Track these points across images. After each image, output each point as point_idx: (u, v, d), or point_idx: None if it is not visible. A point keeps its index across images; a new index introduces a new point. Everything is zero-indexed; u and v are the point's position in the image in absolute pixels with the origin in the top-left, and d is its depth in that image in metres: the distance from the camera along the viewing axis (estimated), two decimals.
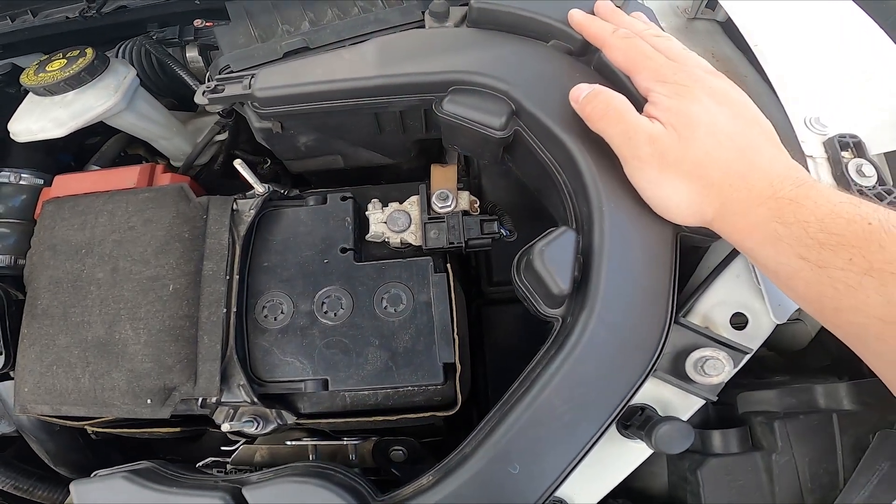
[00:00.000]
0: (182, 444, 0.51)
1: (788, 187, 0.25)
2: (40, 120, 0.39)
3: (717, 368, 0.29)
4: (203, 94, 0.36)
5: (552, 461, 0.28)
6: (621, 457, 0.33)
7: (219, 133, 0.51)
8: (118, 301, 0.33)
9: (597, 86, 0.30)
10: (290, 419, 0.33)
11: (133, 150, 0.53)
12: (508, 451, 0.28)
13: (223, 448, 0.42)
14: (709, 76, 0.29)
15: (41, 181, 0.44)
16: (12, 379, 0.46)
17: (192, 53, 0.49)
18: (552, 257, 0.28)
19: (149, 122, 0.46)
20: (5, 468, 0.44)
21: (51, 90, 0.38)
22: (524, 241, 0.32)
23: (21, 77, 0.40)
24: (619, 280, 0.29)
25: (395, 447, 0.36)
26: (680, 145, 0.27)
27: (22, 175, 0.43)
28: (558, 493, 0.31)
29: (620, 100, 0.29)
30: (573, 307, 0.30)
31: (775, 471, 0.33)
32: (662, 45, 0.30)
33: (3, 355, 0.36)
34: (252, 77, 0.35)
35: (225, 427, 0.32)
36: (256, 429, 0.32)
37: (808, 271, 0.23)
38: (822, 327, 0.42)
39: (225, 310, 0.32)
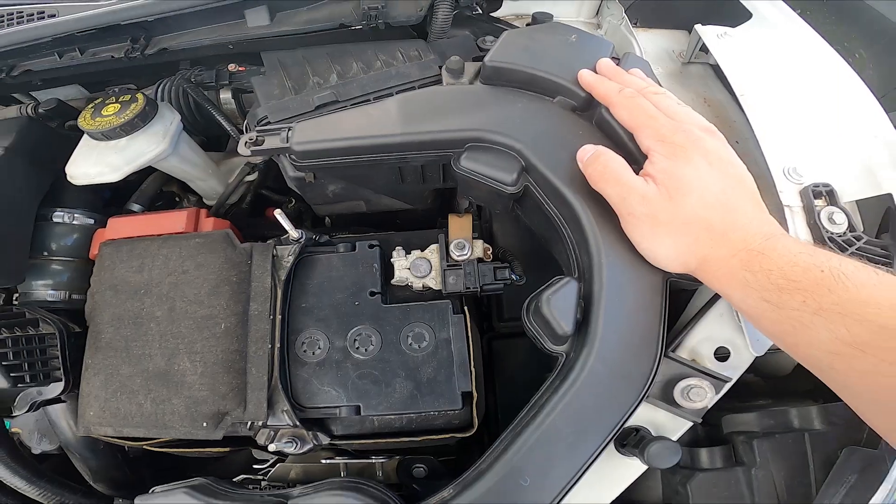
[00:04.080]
0: (211, 463, 0.57)
1: (759, 241, 0.30)
2: (97, 165, 0.44)
3: (701, 395, 0.35)
4: (245, 145, 0.41)
5: (558, 475, 0.34)
6: (619, 472, 0.38)
7: (248, 174, 0.57)
8: (176, 336, 0.39)
9: (599, 148, 0.35)
10: (325, 440, 0.38)
11: (167, 188, 0.58)
12: (520, 467, 0.33)
13: (254, 466, 0.48)
14: (704, 135, 0.33)
15: (92, 220, 0.50)
16: (63, 402, 0.51)
17: (225, 95, 0.55)
18: (557, 304, 0.34)
19: (189, 164, 0.52)
20: (51, 485, 0.48)
21: (107, 136, 0.44)
22: (532, 282, 0.38)
23: (78, 121, 0.45)
24: (615, 322, 0.34)
25: (417, 465, 0.42)
26: (671, 205, 0.31)
27: (75, 215, 0.48)
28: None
29: (618, 162, 0.34)
30: (575, 345, 0.35)
31: (755, 484, 0.38)
32: (662, 104, 0.35)
33: (63, 381, 0.42)
34: (289, 130, 0.41)
35: (272, 448, 0.37)
36: (295, 448, 0.38)
37: (770, 311, 0.29)
38: None
39: (270, 345, 0.37)
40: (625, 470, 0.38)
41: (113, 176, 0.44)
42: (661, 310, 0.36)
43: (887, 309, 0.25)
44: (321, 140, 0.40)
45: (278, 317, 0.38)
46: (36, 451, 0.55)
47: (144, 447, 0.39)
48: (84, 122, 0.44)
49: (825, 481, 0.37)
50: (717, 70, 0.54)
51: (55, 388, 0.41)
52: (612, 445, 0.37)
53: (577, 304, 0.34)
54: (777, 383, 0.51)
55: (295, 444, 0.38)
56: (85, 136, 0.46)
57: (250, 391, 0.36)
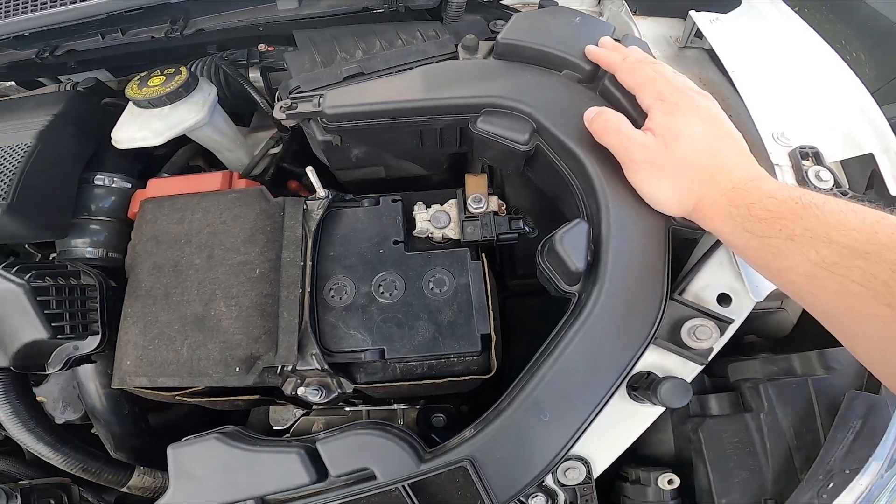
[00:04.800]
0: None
1: (744, 181, 0.34)
2: (142, 130, 0.48)
3: (707, 334, 0.38)
4: (281, 109, 0.45)
5: (576, 410, 0.36)
6: (632, 420, 0.40)
7: (272, 147, 0.61)
8: (213, 282, 0.41)
9: (603, 107, 0.40)
10: (349, 388, 0.40)
11: (193, 162, 0.62)
12: (539, 402, 0.36)
13: (275, 428, 0.50)
14: (697, 96, 0.38)
15: (129, 185, 0.53)
16: (93, 362, 0.53)
17: (254, 74, 0.59)
18: (570, 242, 0.37)
19: (220, 134, 0.56)
20: (76, 451, 0.49)
21: (153, 103, 0.48)
22: (542, 238, 0.41)
23: (126, 90, 0.50)
24: (623, 262, 0.38)
25: (436, 414, 0.44)
26: (666, 153, 0.36)
27: (114, 179, 0.52)
28: (581, 454, 0.38)
29: (619, 117, 0.39)
30: (587, 285, 0.38)
31: (764, 429, 0.40)
32: (660, 70, 0.40)
33: (100, 335, 0.44)
34: (320, 97, 0.45)
35: (301, 391, 0.39)
36: (320, 397, 0.40)
37: (753, 241, 0.32)
38: (803, 314, 0.51)
39: (300, 290, 0.40)
40: (638, 418, 0.40)
41: (156, 140, 0.48)
42: (665, 252, 0.39)
43: (852, 231, 0.28)
44: (351, 104, 0.44)
45: (308, 263, 0.41)
46: (59, 420, 0.57)
47: (176, 398, 0.41)
48: (132, 91, 0.49)
49: (832, 426, 0.39)
50: (710, 54, 0.59)
51: (92, 342, 0.43)
52: (625, 392, 0.39)
53: (588, 245, 0.37)
54: (777, 343, 0.54)
55: (320, 393, 0.40)
56: (130, 104, 0.50)
57: (282, 334, 0.39)
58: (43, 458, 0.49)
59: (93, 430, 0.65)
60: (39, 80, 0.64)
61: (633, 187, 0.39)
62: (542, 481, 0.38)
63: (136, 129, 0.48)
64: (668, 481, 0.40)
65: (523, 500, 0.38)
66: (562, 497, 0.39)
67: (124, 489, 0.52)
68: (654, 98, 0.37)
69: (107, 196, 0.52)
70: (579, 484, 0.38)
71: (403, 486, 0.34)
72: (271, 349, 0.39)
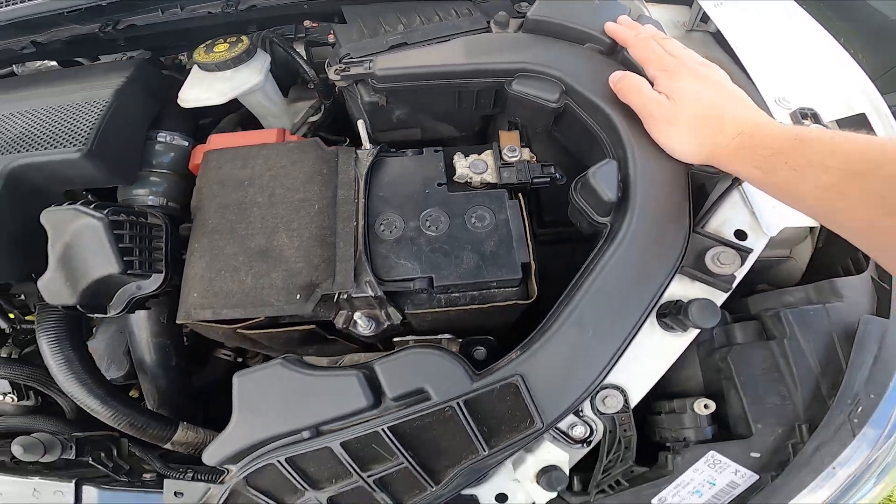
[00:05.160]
0: None
1: (750, 127, 0.39)
2: (207, 91, 0.54)
3: (730, 260, 0.42)
4: (336, 72, 0.51)
5: (614, 329, 0.39)
6: (664, 348, 0.43)
7: (312, 115, 0.66)
8: (276, 217, 0.45)
9: (626, 71, 0.46)
10: (397, 319, 0.44)
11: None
12: (580, 319, 0.39)
13: None
14: (698, 65, 0.43)
15: (186, 143, 0.58)
16: (148, 308, 0.56)
17: (299, 48, 0.65)
18: (602, 176, 0.42)
19: (269, 101, 0.61)
20: (124, 405, 0.52)
21: (219, 66, 0.53)
22: (569, 188, 0.46)
23: (194, 55, 0.55)
24: (650, 197, 0.42)
25: (477, 346, 0.47)
26: (676, 109, 0.41)
27: (175, 137, 0.57)
28: (617, 383, 0.41)
29: (640, 79, 0.44)
30: (618, 217, 0.43)
31: (790, 355, 0.42)
32: (668, 46, 0.46)
33: (163, 275, 0.47)
34: (370, 61, 0.51)
35: (356, 315, 0.43)
36: (371, 329, 0.44)
37: (766, 176, 0.37)
38: (810, 262, 0.55)
39: (355, 223, 0.45)
40: (669, 346, 0.43)
41: (219, 99, 0.54)
42: (686, 191, 0.44)
43: (846, 154, 0.32)
44: (399, 66, 0.50)
45: (361, 200, 0.46)
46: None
47: (237, 330, 0.43)
48: (200, 56, 0.55)
49: (851, 351, 0.41)
50: (715, 37, 0.65)
51: (155, 282, 0.46)
52: (655, 322, 0.42)
53: (618, 180, 0.42)
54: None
55: (370, 325, 0.44)
56: (194, 69, 0.56)
57: (339, 263, 0.43)
58: (91, 411, 0.51)
59: (131, 393, 0.67)
60: (78, 59, 0.69)
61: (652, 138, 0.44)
62: (581, 410, 0.41)
63: (202, 90, 0.54)
64: (703, 405, 0.42)
65: (565, 429, 0.41)
66: (601, 427, 0.42)
67: (167, 445, 0.54)
68: (658, 69, 0.43)
69: (167, 152, 0.56)
70: (617, 412, 0.41)
71: (458, 404, 0.36)
72: (329, 277, 0.42)
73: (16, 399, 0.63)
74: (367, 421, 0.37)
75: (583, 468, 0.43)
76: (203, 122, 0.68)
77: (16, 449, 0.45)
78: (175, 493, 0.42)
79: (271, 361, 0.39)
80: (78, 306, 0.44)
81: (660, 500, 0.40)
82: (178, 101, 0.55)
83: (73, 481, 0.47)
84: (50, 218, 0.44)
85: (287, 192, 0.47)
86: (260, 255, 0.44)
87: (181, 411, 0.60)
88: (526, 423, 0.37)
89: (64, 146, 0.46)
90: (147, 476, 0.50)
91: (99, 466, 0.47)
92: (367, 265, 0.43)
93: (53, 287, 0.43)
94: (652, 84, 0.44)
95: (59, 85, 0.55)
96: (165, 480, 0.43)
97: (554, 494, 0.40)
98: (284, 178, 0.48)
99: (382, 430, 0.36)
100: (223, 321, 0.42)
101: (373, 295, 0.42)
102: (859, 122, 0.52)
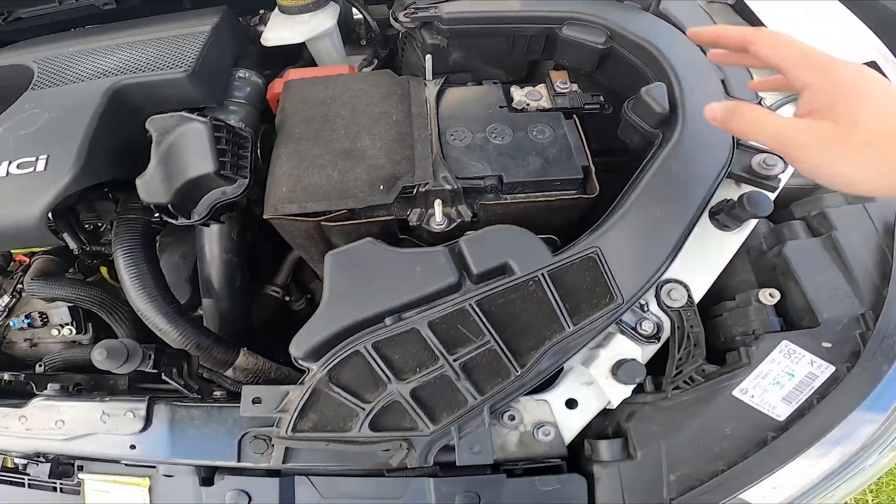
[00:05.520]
0: None
1: None
2: (289, 32, 0.61)
3: (775, 162, 0.46)
4: (405, 15, 0.58)
5: (677, 214, 0.42)
6: (719, 245, 0.46)
7: (365, 67, 0.73)
8: (358, 125, 0.50)
9: (730, 103, 0.36)
10: (468, 216, 0.48)
11: None
12: (647, 203, 0.43)
13: None
14: (849, 64, 0.32)
15: (261, 80, 0.64)
16: (222, 223, 0.60)
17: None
18: (654, 92, 0.48)
19: (334, 48, 0.68)
20: (192, 326, 0.54)
21: (301, 10, 0.61)
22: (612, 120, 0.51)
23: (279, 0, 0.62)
24: (696, 112, 0.48)
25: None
26: (844, 130, 0.29)
27: (252, 73, 0.63)
28: (679, 278, 0.44)
29: (759, 110, 0.34)
30: (668, 128, 0.48)
31: (841, 247, 0.43)
32: (798, 42, 0.34)
33: (247, 181, 0.51)
34: (436, 7, 0.58)
35: (433, 210, 0.47)
36: (444, 226, 0.47)
37: None
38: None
39: (429, 132, 0.50)
40: (724, 242, 0.46)
41: (297, 39, 0.61)
42: None
43: None
44: (465, 10, 0.57)
45: (433, 113, 0.51)
46: None
47: (321, 223, 0.46)
48: (283, 0, 0.62)
49: (893, 243, 0.42)
50: (733, 7, 0.74)
51: (239, 187, 0.50)
52: (708, 222, 0.45)
53: (667, 99, 0.48)
54: None
55: (444, 221, 0.48)
56: (275, 13, 0.64)
57: (418, 160, 0.47)
58: (158, 331, 0.54)
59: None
60: None
61: (696, 56, 0.49)
62: (647, 306, 0.43)
63: (283, 31, 0.61)
64: (769, 294, 0.42)
65: (633, 325, 0.43)
66: (667, 322, 0.44)
67: (229, 372, 0.56)
68: (810, 72, 0.32)
69: (244, 86, 0.63)
70: (682, 307, 0.43)
71: (542, 275, 0.39)
72: (410, 172, 0.47)
73: (74, 331, 0.65)
74: (454, 300, 0.39)
75: (654, 374, 0.43)
76: (266, 71, 0.74)
77: (98, 352, 0.42)
78: (253, 400, 0.41)
79: (362, 241, 0.42)
80: (169, 206, 0.48)
81: (741, 391, 0.40)
82: (262, 41, 0.62)
83: (146, 399, 0.46)
84: (158, 123, 0.48)
85: (367, 107, 0.52)
86: (344, 154, 0.48)
87: (240, 338, 0.62)
88: (606, 298, 0.40)
89: (169, 69, 0.52)
90: (217, 394, 0.50)
91: (172, 381, 0.46)
92: (442, 163, 0.47)
93: (152, 185, 0.47)
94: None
95: (154, 25, 0.61)
96: (244, 387, 0.42)
97: (630, 388, 0.42)
98: (363, 96, 0.53)
99: (469, 305, 0.38)
100: (308, 214, 0.46)
101: (449, 188, 0.46)
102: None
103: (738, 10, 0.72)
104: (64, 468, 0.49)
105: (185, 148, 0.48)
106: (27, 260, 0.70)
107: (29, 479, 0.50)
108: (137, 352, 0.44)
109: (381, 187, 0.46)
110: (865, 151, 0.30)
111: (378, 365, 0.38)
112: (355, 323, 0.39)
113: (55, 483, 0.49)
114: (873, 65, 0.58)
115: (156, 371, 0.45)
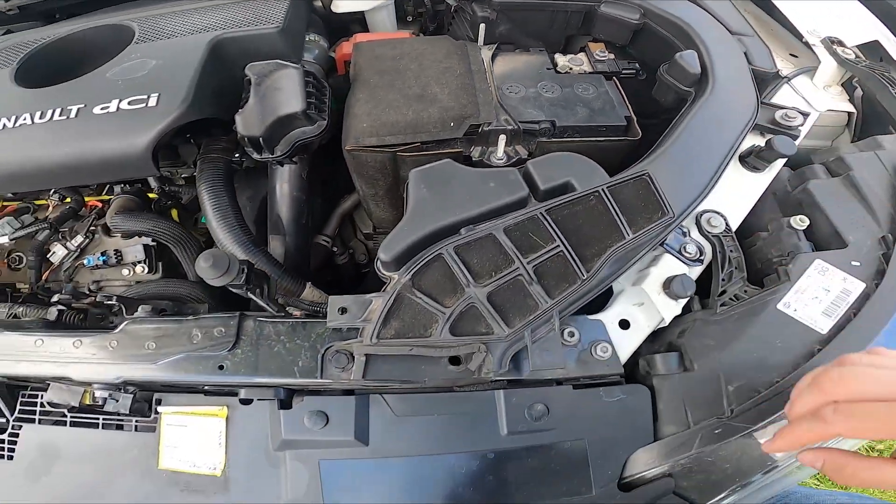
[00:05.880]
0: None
1: None
2: (356, 1, 0.69)
3: (795, 115, 0.53)
4: None
5: (714, 152, 0.49)
6: (750, 183, 0.52)
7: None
8: (426, 77, 0.57)
9: (817, 451, 0.31)
10: (524, 153, 0.54)
11: None
12: (687, 141, 0.49)
13: None
14: None
15: (326, 44, 0.73)
16: (295, 163, 0.66)
17: None
18: (687, 56, 0.55)
19: (390, 20, 0.77)
20: (265, 256, 0.60)
21: None
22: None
23: None
24: (724, 74, 0.55)
25: None
26: None
27: (319, 37, 0.71)
28: (716, 208, 0.49)
29: (857, 460, 0.29)
30: (700, 87, 0.55)
31: (858, 184, 0.48)
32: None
33: (326, 123, 0.58)
34: None
35: (491, 147, 0.53)
36: (503, 160, 0.54)
37: None
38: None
39: (489, 84, 0.57)
40: (754, 181, 0.51)
41: (365, 7, 0.69)
42: (751, 75, 0.56)
43: None
44: None
45: (490, 70, 0.58)
46: None
47: (397, 153, 0.52)
48: None
49: None
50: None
51: (318, 128, 0.57)
52: (738, 164, 0.51)
53: (699, 63, 0.55)
54: None
55: (504, 157, 0.54)
56: None
57: (481, 105, 0.54)
58: (233, 256, 0.59)
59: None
60: None
61: (721, 31, 0.57)
62: (689, 232, 0.48)
63: None
64: (799, 219, 0.46)
65: (678, 249, 0.46)
66: (709, 247, 0.48)
67: (294, 306, 0.61)
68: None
69: (314, 48, 0.71)
70: (722, 233, 0.48)
71: (602, 189, 0.44)
72: (475, 113, 0.53)
73: (146, 269, 0.70)
74: (523, 213, 0.43)
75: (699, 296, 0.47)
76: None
77: (204, 259, 0.43)
78: (340, 310, 0.42)
79: (441, 161, 0.48)
80: (260, 139, 0.55)
81: (784, 304, 0.43)
82: (332, 7, 0.70)
83: (237, 315, 0.47)
84: (257, 68, 0.56)
85: (432, 63, 0.60)
86: (417, 98, 0.55)
87: (303, 276, 0.68)
88: (658, 213, 0.44)
89: (262, 25, 0.60)
90: (296, 313, 0.51)
91: (257, 299, 0.47)
92: (502, 107, 0.54)
93: (250, 119, 0.54)
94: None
95: None
96: (330, 298, 0.43)
97: (681, 305, 0.45)
98: (428, 54, 0.61)
99: (540, 213, 0.43)
100: (385, 146, 0.53)
101: (511, 128, 0.53)
102: (874, 50, 0.66)
103: (758, 3, 0.81)
104: (140, 405, 0.47)
105: (279, 89, 0.55)
106: (99, 204, 0.76)
107: (104, 419, 0.48)
108: (235, 264, 0.44)
109: (452, 124, 0.53)
110: None
111: (459, 268, 0.42)
112: (436, 230, 0.44)
113: (131, 420, 0.48)
114: (876, 43, 0.66)
115: (243, 287, 0.46)
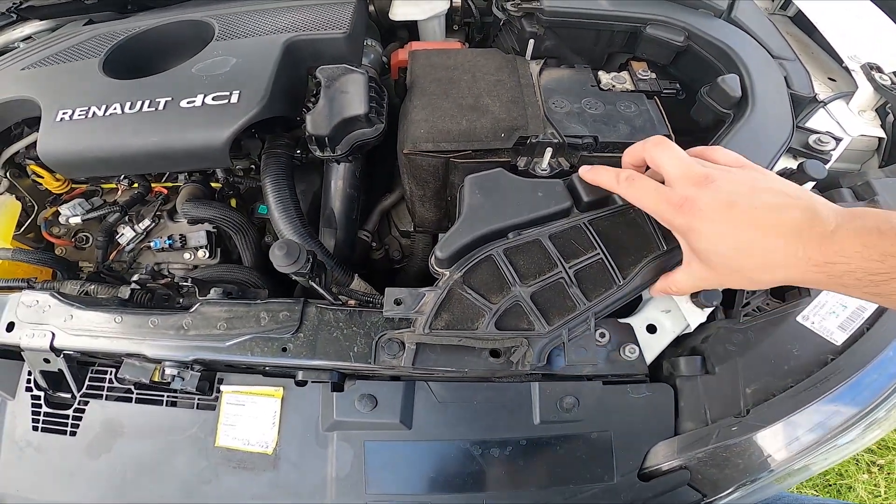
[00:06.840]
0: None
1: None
2: (413, 9, 0.75)
3: (828, 140, 0.57)
4: (512, 5, 0.70)
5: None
6: None
7: None
8: (479, 88, 0.62)
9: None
10: (566, 166, 0.59)
11: None
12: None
13: None
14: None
15: (380, 49, 0.78)
16: (350, 162, 0.72)
17: None
18: (729, 80, 0.59)
19: (441, 30, 0.81)
20: (319, 247, 0.65)
21: None
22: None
23: None
24: (764, 97, 0.59)
25: None
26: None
27: (375, 43, 0.77)
28: None
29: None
30: (739, 109, 0.59)
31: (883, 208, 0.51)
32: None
33: (383, 126, 0.63)
34: (539, 1, 0.70)
35: (536, 158, 0.58)
36: (548, 171, 0.58)
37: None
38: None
39: (537, 98, 0.62)
40: None
41: (420, 16, 0.75)
42: (788, 98, 0.60)
43: None
44: (564, 6, 0.69)
45: (538, 85, 0.63)
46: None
47: (451, 159, 0.57)
48: None
49: None
50: (792, 20, 0.84)
51: (375, 131, 0.62)
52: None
53: (739, 86, 0.59)
54: None
55: (548, 169, 0.59)
56: None
57: (530, 118, 0.59)
58: (282, 233, 0.65)
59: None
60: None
61: (763, 55, 0.61)
62: None
63: (409, 8, 0.74)
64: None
65: None
66: None
67: (347, 295, 0.66)
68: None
69: (370, 52, 0.76)
70: None
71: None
72: (524, 125, 0.58)
73: (206, 254, 0.77)
74: (567, 222, 0.48)
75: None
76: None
77: (279, 247, 0.46)
78: (395, 301, 0.45)
79: (494, 169, 0.53)
80: (326, 138, 0.61)
81: (803, 318, 0.48)
82: (390, 15, 0.75)
83: (302, 300, 0.50)
84: (327, 72, 0.62)
85: (484, 75, 0.65)
86: (470, 108, 0.60)
87: (351, 266, 0.74)
88: None
89: (331, 29, 0.66)
90: (351, 302, 0.54)
91: (318, 288, 0.50)
92: (549, 121, 0.59)
93: (318, 119, 0.60)
94: None
95: None
96: (387, 289, 0.46)
97: (707, 313, 0.49)
98: (480, 66, 0.66)
99: (583, 223, 0.48)
100: (440, 151, 0.58)
101: (556, 141, 0.57)
102: None
103: (796, 22, 0.83)
104: (202, 384, 0.50)
105: (346, 92, 0.60)
106: (164, 191, 0.83)
107: (168, 396, 0.52)
108: (304, 254, 0.47)
109: (502, 135, 0.58)
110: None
111: (506, 268, 0.47)
112: (487, 233, 0.49)
113: (195, 398, 0.51)
114: None
115: (307, 275, 0.49)
